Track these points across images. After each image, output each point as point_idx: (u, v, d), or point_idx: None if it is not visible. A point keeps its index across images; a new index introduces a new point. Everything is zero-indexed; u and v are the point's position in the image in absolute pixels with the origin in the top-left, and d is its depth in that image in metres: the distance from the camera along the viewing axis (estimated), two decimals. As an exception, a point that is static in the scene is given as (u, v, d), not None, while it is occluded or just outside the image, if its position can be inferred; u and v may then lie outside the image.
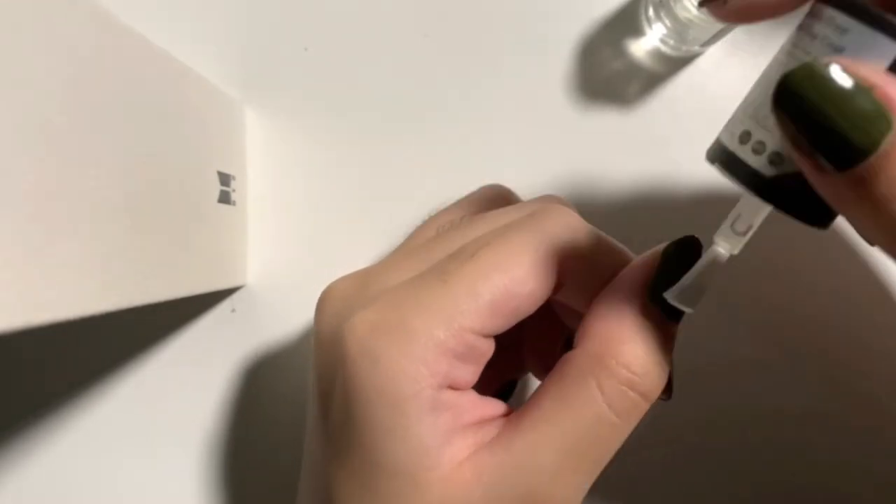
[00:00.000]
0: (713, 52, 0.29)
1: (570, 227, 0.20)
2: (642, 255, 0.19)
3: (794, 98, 0.14)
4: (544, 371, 0.25)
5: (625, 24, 0.29)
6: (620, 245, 0.21)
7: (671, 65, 0.29)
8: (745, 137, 0.16)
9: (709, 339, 0.29)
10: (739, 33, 0.29)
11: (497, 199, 0.26)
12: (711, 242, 0.18)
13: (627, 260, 0.20)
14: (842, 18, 0.15)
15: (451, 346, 0.18)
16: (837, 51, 0.15)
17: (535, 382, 0.28)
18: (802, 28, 0.16)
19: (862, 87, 0.13)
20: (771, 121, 0.14)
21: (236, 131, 0.29)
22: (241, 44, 0.30)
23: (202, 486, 0.30)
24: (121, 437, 0.30)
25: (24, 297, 0.15)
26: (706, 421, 0.29)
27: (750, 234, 0.17)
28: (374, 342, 0.18)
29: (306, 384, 0.23)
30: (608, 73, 0.29)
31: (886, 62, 0.14)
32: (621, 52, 0.29)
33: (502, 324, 0.19)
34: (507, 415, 0.20)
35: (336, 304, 0.21)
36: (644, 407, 0.18)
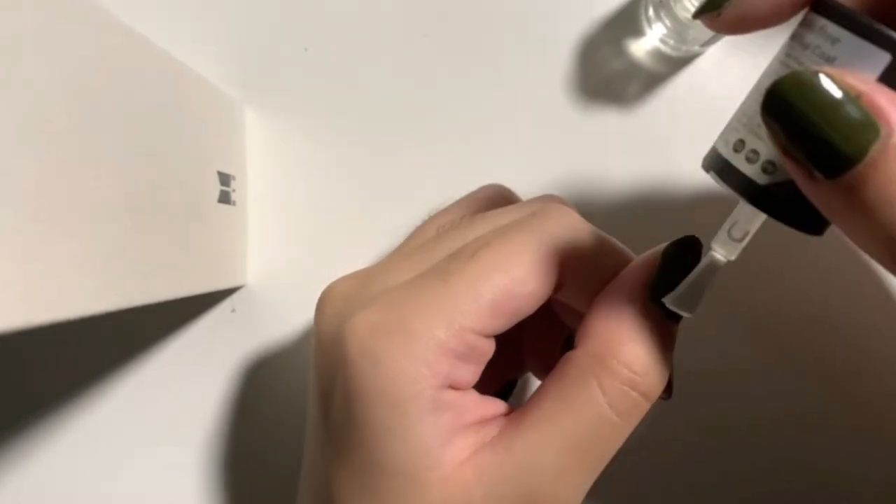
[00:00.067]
0: (713, 52, 0.29)
1: (571, 227, 0.20)
2: (643, 255, 0.19)
3: (783, 107, 0.14)
4: (544, 371, 0.25)
5: (625, 24, 0.29)
6: (621, 245, 0.21)
7: (671, 65, 0.29)
8: (739, 146, 0.16)
9: (708, 341, 0.29)
10: (739, 33, 0.29)
11: (497, 198, 0.26)
12: (711, 243, 0.18)
13: (628, 260, 0.20)
14: (833, 28, 0.15)
15: (452, 346, 0.18)
16: (829, 61, 0.15)
17: (535, 382, 0.28)
18: (795, 38, 0.16)
19: (849, 96, 0.13)
20: (764, 130, 0.14)
21: (236, 131, 0.29)
22: (241, 44, 0.30)
23: (202, 486, 0.30)
24: (121, 437, 0.30)
25: (24, 297, 0.15)
26: (706, 422, 0.29)
27: (746, 240, 0.17)
28: (374, 342, 0.18)
29: (306, 384, 0.23)
30: (608, 73, 0.29)
31: (877, 72, 0.14)
32: (621, 52, 0.29)
33: (503, 324, 0.19)
34: (507, 414, 0.20)
35: (336, 304, 0.21)
36: (645, 406, 0.18)
